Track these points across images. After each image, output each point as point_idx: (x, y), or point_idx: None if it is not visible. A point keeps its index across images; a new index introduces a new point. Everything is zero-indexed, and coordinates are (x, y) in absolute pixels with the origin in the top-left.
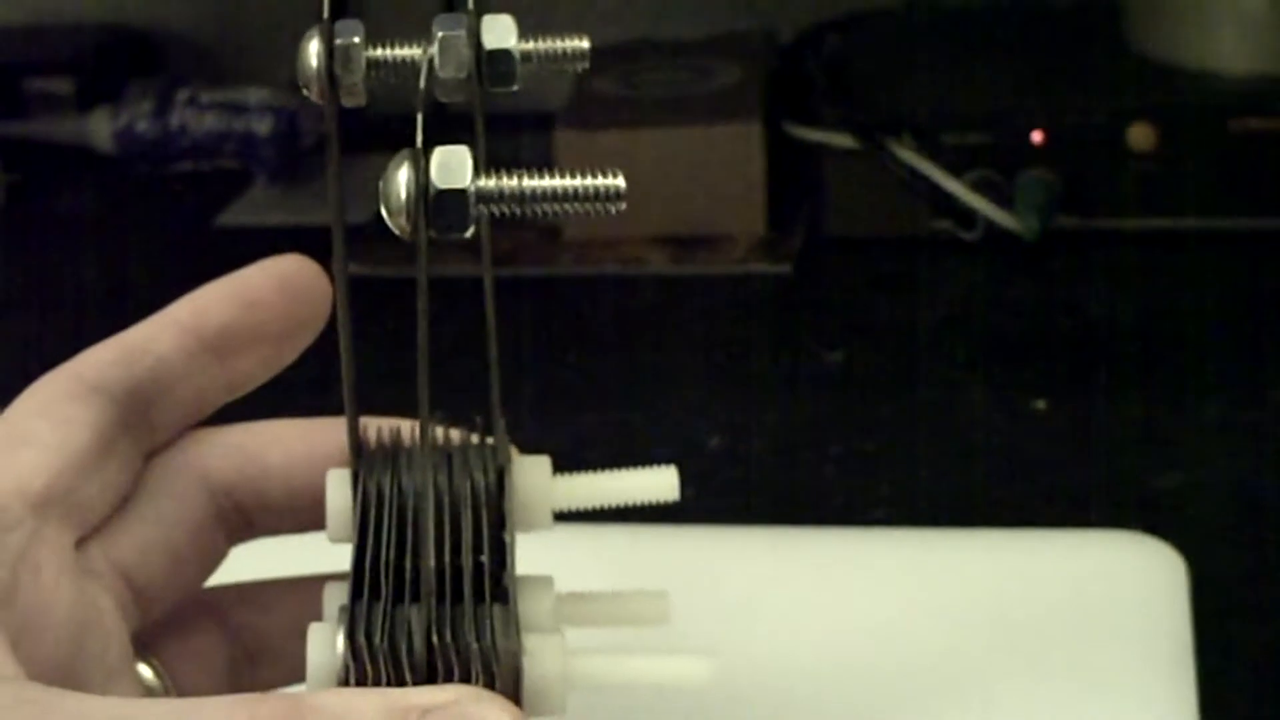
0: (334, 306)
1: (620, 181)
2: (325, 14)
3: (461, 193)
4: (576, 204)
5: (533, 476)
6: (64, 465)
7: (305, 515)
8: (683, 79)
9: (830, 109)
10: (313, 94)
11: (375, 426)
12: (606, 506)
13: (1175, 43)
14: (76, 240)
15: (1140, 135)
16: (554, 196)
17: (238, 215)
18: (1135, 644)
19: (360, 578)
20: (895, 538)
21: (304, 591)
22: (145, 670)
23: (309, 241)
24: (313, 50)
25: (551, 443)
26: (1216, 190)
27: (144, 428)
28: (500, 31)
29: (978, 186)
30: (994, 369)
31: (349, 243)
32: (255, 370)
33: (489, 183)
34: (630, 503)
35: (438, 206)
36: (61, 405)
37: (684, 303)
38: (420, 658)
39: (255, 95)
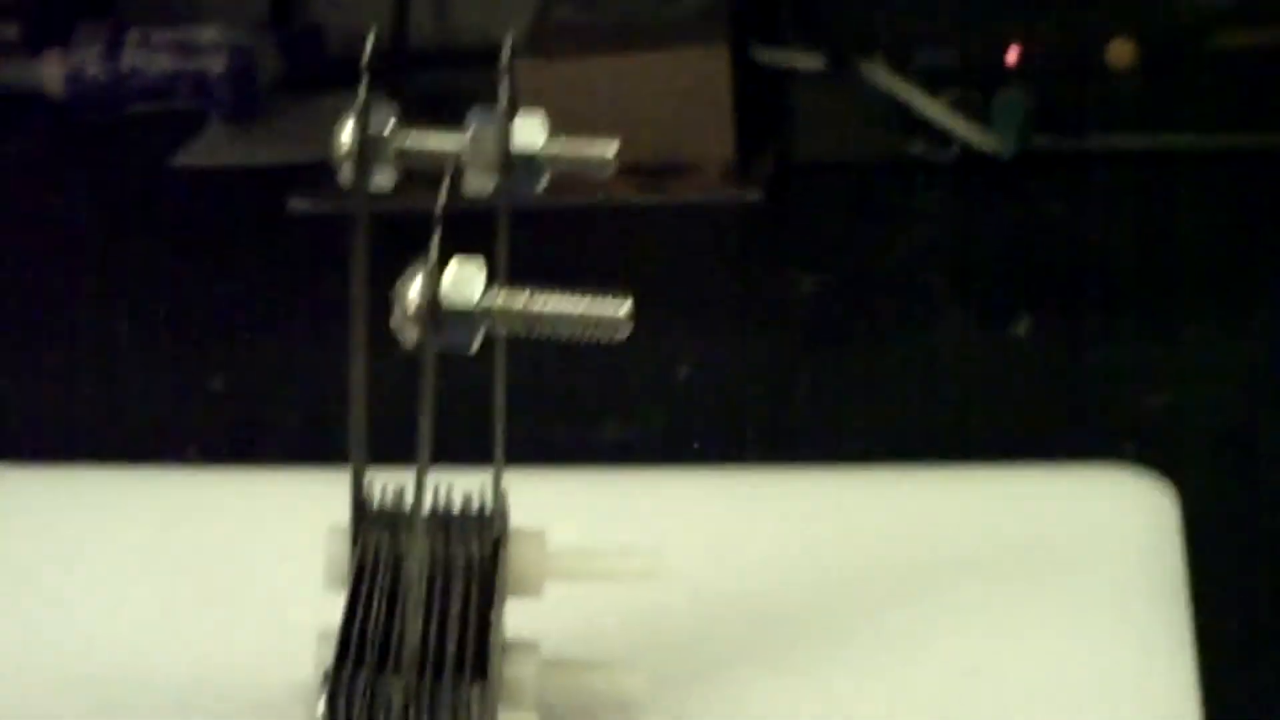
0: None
1: (622, 312)
2: (360, 99)
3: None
4: (580, 328)
5: (527, 552)
6: None
7: None
8: (645, 3)
9: (798, 30)
10: (342, 175)
11: (381, 484)
12: (596, 580)
13: None
14: (29, 186)
15: (1119, 52)
16: (558, 321)
17: (194, 156)
18: (1129, 577)
19: (346, 644)
20: (878, 477)
21: None
22: None
23: (266, 181)
24: (345, 134)
25: (519, 378)
26: (1199, 107)
27: None
28: (529, 132)
29: (952, 107)
30: (972, 294)
31: (303, 181)
32: None
33: (498, 301)
34: (618, 581)
35: (448, 324)
36: None
37: (652, 232)
38: None
39: (208, 34)
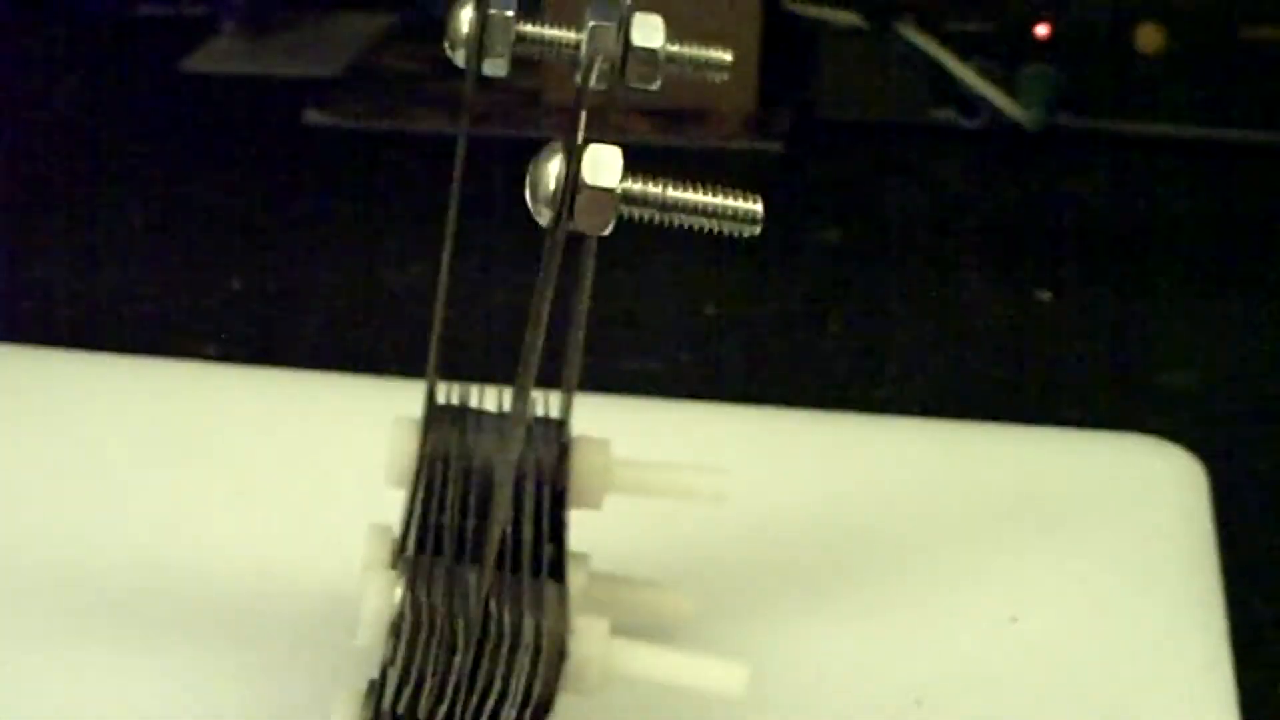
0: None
1: (759, 206)
2: None
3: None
4: (714, 220)
5: (593, 459)
6: None
7: None
8: None
9: None
10: (457, 58)
11: (445, 387)
12: (656, 496)
13: None
14: (39, 85)
15: (1148, 36)
16: (693, 209)
17: (204, 62)
18: (1162, 545)
19: (424, 532)
20: (912, 428)
21: None
22: None
23: (278, 92)
24: (465, 16)
25: (552, 313)
26: (1223, 98)
27: None
28: (648, 30)
29: (980, 75)
30: (996, 258)
31: (316, 94)
32: None
33: (634, 185)
34: (678, 499)
35: (586, 205)
36: None
37: (669, 174)
38: (475, 620)
39: None
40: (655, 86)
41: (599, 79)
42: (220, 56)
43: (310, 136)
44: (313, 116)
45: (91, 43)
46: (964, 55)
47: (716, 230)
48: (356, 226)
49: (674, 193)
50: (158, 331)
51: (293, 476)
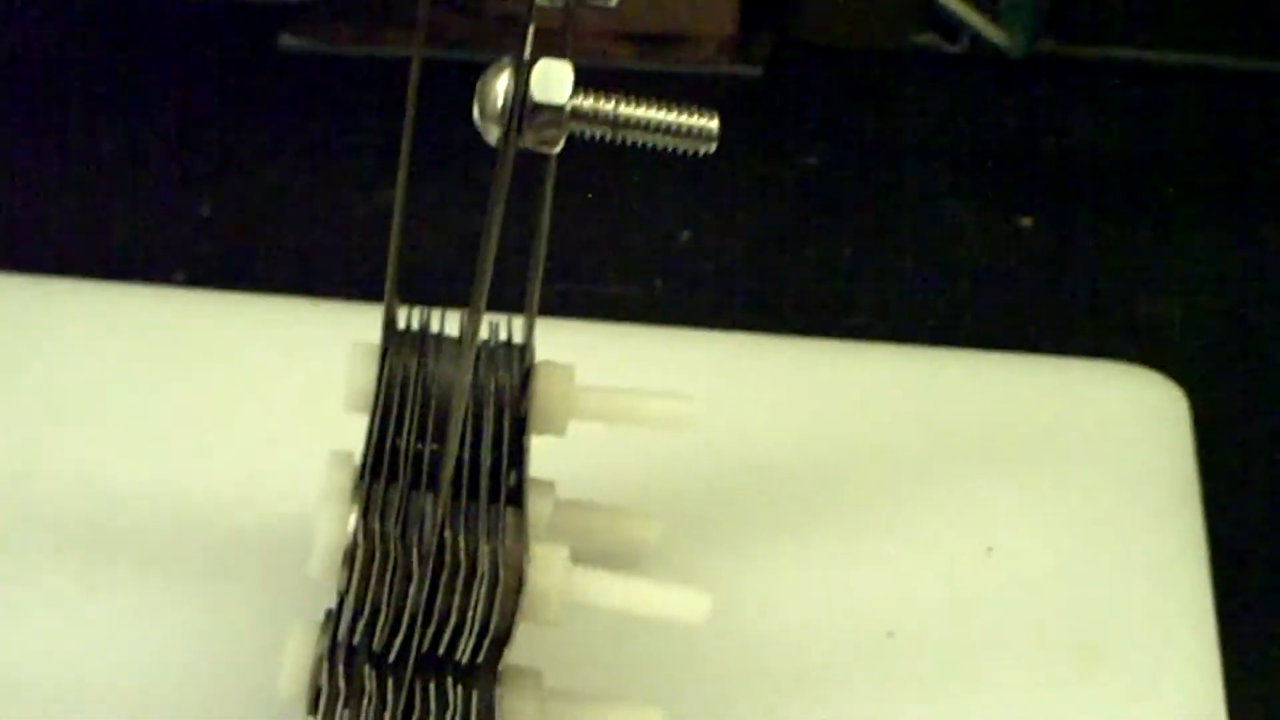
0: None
1: (715, 123)
2: None
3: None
4: (668, 137)
5: (556, 384)
6: None
7: None
8: None
9: None
10: None
11: (406, 311)
12: (620, 422)
13: None
14: (11, 13)
15: None
16: (646, 127)
17: None
18: (1143, 471)
19: (379, 458)
20: (889, 355)
21: None
22: None
23: (250, 16)
24: None
25: (522, 235)
26: (1208, 23)
27: None
28: None
29: (962, 0)
30: (977, 183)
31: (291, 20)
32: None
33: (585, 102)
34: (642, 426)
35: (535, 122)
36: None
37: (650, 97)
38: (429, 548)
39: None
40: (613, 3)
41: None
42: None
43: (285, 61)
44: (287, 41)
45: None
46: None
47: (672, 149)
48: (330, 151)
49: (626, 109)
50: (127, 257)
51: (261, 402)
